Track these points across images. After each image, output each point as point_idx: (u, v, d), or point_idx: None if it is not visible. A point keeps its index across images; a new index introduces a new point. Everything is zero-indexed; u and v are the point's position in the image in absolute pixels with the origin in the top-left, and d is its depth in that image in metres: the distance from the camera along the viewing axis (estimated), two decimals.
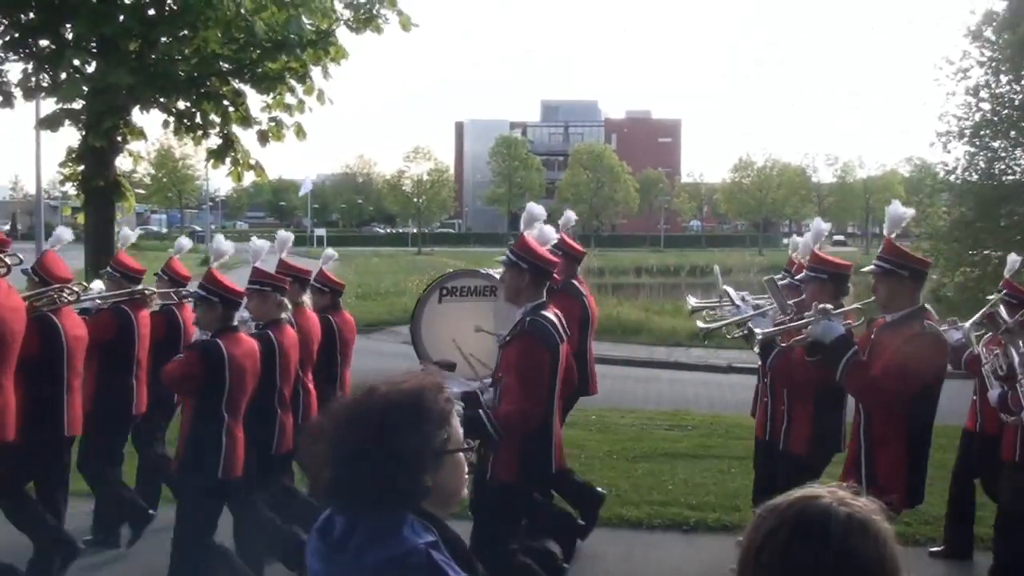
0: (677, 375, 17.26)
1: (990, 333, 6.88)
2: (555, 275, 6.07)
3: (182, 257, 8.06)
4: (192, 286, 7.03)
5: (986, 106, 25.34)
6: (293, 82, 13.32)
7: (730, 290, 6.56)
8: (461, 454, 2.34)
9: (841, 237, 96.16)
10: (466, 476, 2.38)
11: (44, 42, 12.43)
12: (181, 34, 12.40)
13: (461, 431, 2.36)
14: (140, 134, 13.49)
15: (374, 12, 13.01)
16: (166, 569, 5.86)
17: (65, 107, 12.43)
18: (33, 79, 12.64)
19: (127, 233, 8.12)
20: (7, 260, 5.91)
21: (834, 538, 1.74)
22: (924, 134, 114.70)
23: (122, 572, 6.92)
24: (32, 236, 31.62)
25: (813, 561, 1.73)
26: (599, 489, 7.56)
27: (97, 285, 7.51)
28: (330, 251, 8.28)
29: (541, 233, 5.93)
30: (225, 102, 13.28)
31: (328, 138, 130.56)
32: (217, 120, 13.45)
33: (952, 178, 26.58)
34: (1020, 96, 25.13)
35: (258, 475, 6.31)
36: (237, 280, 6.28)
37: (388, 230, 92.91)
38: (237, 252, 6.90)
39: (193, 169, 76.31)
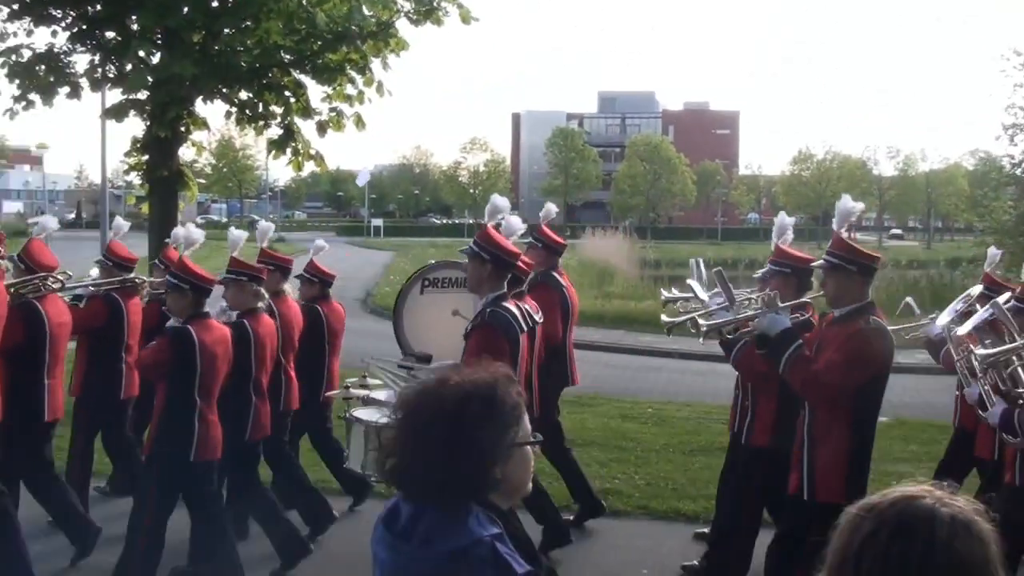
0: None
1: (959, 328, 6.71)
2: (525, 265, 6.20)
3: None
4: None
5: None
6: (353, 73, 13.43)
7: (694, 284, 6.41)
8: (529, 447, 2.32)
9: (899, 231, 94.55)
10: (532, 469, 2.35)
11: (110, 34, 12.66)
12: (244, 26, 12.55)
13: (529, 424, 2.34)
14: (203, 124, 13.77)
15: (435, 5, 13.05)
16: (177, 548, 6.06)
17: (130, 98, 12.70)
18: (99, 70, 12.92)
19: (120, 223, 8.21)
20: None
21: (940, 541, 1.65)
22: (990, 126, 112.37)
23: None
24: (97, 224, 32.27)
25: (918, 565, 1.65)
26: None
27: (92, 272, 7.68)
28: (320, 241, 8.22)
29: (507, 225, 6.03)
30: (286, 93, 13.43)
31: (386, 129, 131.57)
32: (278, 111, 13.60)
33: (1018, 172, 25.91)
34: None
35: (230, 461, 6.34)
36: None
37: (444, 221, 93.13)
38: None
39: (253, 159, 77.30)
